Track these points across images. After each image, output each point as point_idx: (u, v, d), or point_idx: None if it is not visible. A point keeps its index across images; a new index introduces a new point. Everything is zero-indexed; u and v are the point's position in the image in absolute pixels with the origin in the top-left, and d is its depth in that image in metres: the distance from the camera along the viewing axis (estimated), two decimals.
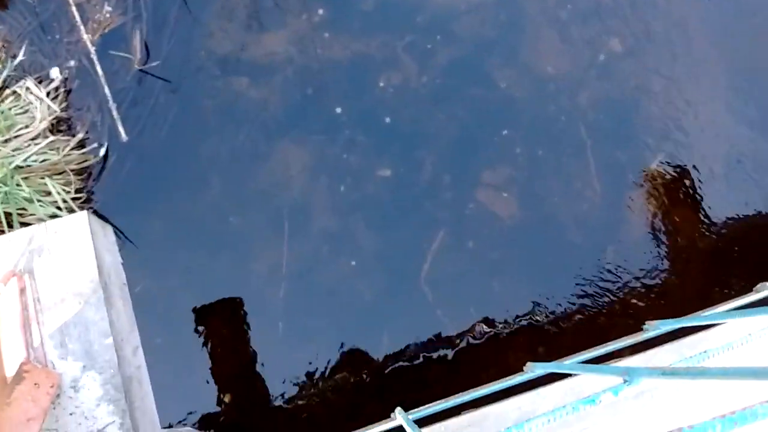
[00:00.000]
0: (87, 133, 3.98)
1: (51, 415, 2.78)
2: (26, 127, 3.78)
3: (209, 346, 3.70)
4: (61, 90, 4.03)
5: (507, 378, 2.65)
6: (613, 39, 4.51)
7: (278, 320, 3.75)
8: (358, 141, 4.12)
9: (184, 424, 3.55)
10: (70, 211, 3.64)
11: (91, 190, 3.88)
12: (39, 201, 3.55)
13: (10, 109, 3.76)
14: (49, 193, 3.61)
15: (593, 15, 4.55)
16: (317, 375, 3.70)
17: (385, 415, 2.66)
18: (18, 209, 3.51)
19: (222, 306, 3.76)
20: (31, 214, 3.56)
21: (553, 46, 4.46)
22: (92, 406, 2.82)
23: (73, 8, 4.16)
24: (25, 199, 3.50)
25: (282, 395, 3.66)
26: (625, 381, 1.94)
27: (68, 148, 3.83)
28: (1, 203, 3.43)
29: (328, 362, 3.73)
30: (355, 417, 3.54)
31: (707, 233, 4.17)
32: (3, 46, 4.11)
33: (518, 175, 4.14)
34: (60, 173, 3.78)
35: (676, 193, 4.22)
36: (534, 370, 2.59)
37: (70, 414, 2.81)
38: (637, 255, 4.06)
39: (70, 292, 2.98)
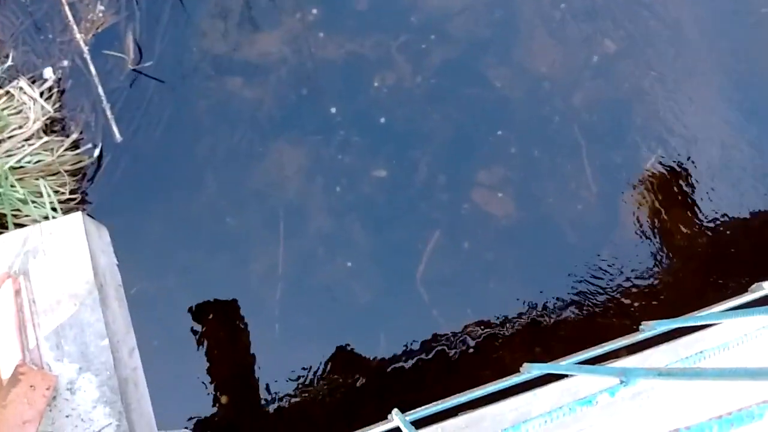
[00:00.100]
0: (81, 133, 3.96)
1: (47, 418, 2.76)
2: (20, 127, 3.76)
3: (205, 347, 3.69)
4: (55, 90, 4.01)
5: (504, 379, 2.66)
6: (607, 39, 4.52)
7: (274, 321, 3.75)
8: (353, 141, 4.12)
9: (185, 427, 3.55)
10: (65, 212, 3.62)
11: (85, 191, 3.87)
12: (33, 202, 3.53)
13: (3, 109, 3.73)
14: (43, 194, 3.60)
15: (587, 15, 4.56)
16: (313, 376, 3.70)
17: (382, 416, 2.67)
18: (12, 210, 3.49)
19: (218, 307, 3.76)
20: (25, 216, 3.54)
21: (547, 47, 4.47)
22: (88, 408, 2.81)
23: (66, 8, 4.13)
24: (20, 200, 3.48)
25: (278, 396, 3.66)
26: (622, 382, 1.95)
27: (62, 149, 3.82)
28: None
29: (325, 363, 3.73)
30: (351, 418, 3.54)
31: (702, 234, 4.19)
32: None
33: (513, 175, 4.15)
34: (54, 174, 3.76)
35: (671, 194, 4.24)
36: (531, 370, 2.60)
37: (66, 416, 2.79)
38: (633, 255, 4.08)
39: (65, 294, 2.96)
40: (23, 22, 4.15)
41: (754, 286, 2.82)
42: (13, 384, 2.62)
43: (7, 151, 3.61)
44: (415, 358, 3.77)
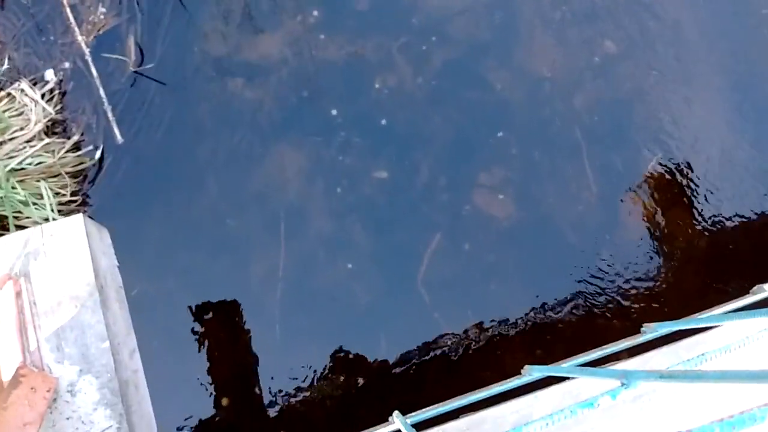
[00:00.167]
0: (82, 135, 3.96)
1: (47, 420, 2.76)
2: (21, 129, 3.76)
3: (206, 349, 3.69)
4: (56, 92, 4.02)
5: (505, 381, 2.65)
6: (607, 41, 4.52)
7: (275, 323, 3.74)
8: (353, 143, 4.12)
9: (181, 428, 3.55)
10: (66, 213, 3.62)
11: (86, 193, 3.87)
12: (34, 204, 3.53)
13: (4, 111, 3.73)
14: (44, 196, 3.60)
15: (588, 17, 4.56)
16: (314, 378, 3.70)
17: (383, 418, 2.66)
18: (13, 212, 3.49)
19: (219, 309, 3.76)
20: (26, 217, 3.55)
21: (548, 48, 4.47)
22: (89, 410, 2.81)
23: (68, 9, 4.13)
24: (21, 202, 3.49)
25: (279, 398, 3.65)
26: (623, 384, 1.94)
27: (63, 151, 3.82)
28: None
29: (325, 365, 3.73)
30: (352, 421, 3.54)
31: (703, 235, 4.19)
32: None
33: (514, 176, 4.15)
34: (55, 176, 3.77)
35: (672, 195, 4.24)
36: (532, 373, 2.59)
37: (67, 418, 2.79)
38: (634, 257, 4.08)
39: (66, 296, 2.96)
40: (25, 23, 4.15)
41: (755, 288, 2.82)
42: (13, 386, 2.62)
43: (9, 152, 3.62)
44: (416, 360, 3.77)
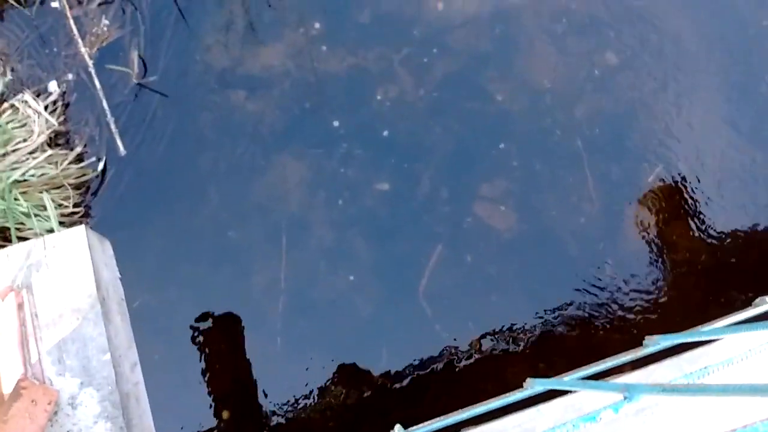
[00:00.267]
0: (85, 146, 3.98)
1: None
2: (24, 140, 3.77)
3: (207, 362, 3.68)
4: (59, 103, 4.04)
5: (507, 394, 2.64)
6: (608, 52, 4.53)
7: (276, 335, 3.74)
8: (355, 154, 4.13)
9: None
10: (69, 225, 3.63)
11: (89, 205, 3.88)
12: (37, 215, 3.54)
13: (8, 123, 3.75)
14: (47, 208, 3.61)
15: (588, 28, 4.57)
16: (316, 391, 3.69)
17: None
18: (16, 224, 3.50)
19: (220, 321, 3.75)
20: (29, 229, 3.56)
21: (548, 60, 4.48)
22: (90, 423, 2.80)
23: (71, 21, 4.16)
24: (23, 213, 3.50)
25: (280, 411, 3.64)
26: (626, 397, 1.94)
27: (66, 162, 3.83)
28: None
29: (327, 378, 3.72)
30: None
31: (705, 247, 4.18)
32: (0, 59, 4.11)
33: (515, 188, 4.16)
34: (58, 187, 3.78)
35: (673, 206, 4.24)
36: (534, 386, 2.59)
37: (68, 431, 2.79)
38: (636, 269, 4.07)
39: (68, 308, 2.96)
40: (28, 35, 4.18)
41: (757, 300, 2.81)
42: (14, 398, 2.61)
43: (12, 164, 3.63)
44: (418, 373, 3.75)
